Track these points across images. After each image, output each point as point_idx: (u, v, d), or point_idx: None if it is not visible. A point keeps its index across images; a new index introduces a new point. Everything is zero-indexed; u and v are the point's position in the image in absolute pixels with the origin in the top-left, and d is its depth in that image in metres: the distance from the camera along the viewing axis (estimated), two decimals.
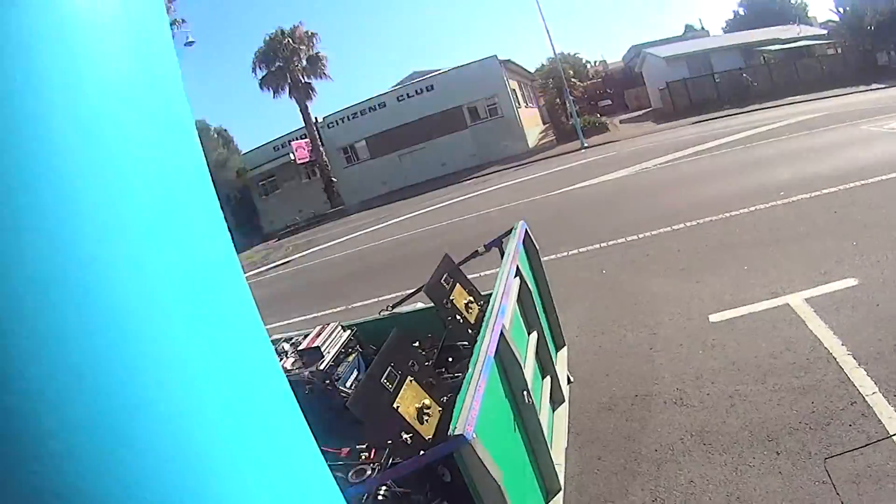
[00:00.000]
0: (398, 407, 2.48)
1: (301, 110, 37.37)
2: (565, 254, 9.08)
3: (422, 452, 2.34)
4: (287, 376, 3.98)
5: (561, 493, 3.15)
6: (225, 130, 42.75)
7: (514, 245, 3.91)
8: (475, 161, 34.29)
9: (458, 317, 3.74)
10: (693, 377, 4.65)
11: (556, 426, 3.85)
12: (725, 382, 4.43)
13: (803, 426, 3.69)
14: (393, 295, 7.75)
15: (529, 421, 2.99)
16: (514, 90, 37.16)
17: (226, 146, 41.37)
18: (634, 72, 43.97)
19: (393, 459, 2.73)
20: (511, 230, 4.31)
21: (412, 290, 4.36)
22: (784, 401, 3.99)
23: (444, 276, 3.90)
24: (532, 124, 40.04)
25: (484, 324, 2.82)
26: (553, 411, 3.98)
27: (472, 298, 3.98)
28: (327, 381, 3.89)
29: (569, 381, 4.68)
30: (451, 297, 3.80)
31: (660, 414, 4.35)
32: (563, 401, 4.10)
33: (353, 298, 10.81)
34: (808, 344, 4.52)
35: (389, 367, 2.59)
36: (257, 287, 18.59)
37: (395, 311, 4.56)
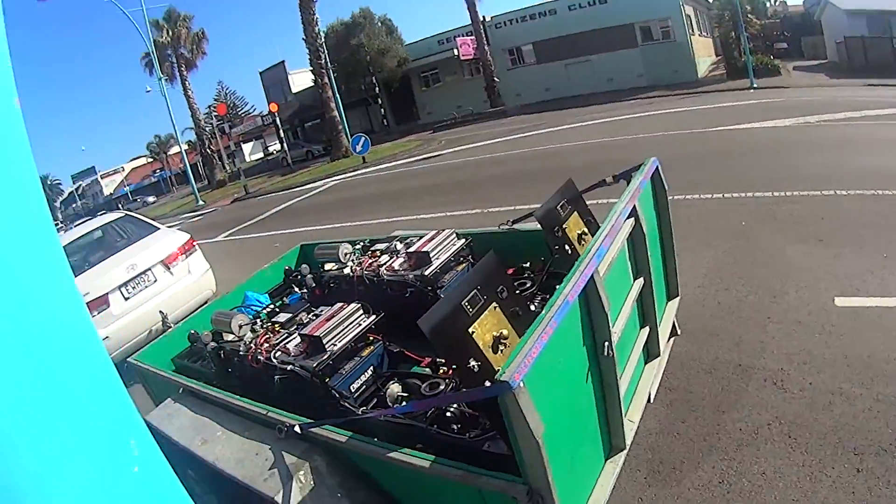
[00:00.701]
0: (473, 333, 2.49)
1: (469, 7, 37.80)
2: (709, 196, 8.35)
3: (464, 389, 2.39)
4: (391, 276, 4.17)
5: (624, 452, 3.03)
6: (389, 20, 42.57)
7: (636, 183, 3.50)
8: (642, 82, 32.72)
9: (568, 247, 3.57)
10: (801, 361, 4.25)
11: (644, 380, 3.64)
12: (831, 376, 4.02)
13: (893, 449, 3.30)
14: (531, 206, 7.41)
15: (606, 374, 2.83)
16: (688, 16, 34.80)
17: (389, 35, 41.45)
18: (814, 19, 39.00)
19: (459, 383, 2.80)
20: (642, 164, 3.86)
21: (532, 212, 4.12)
22: (884, 414, 3.57)
23: (563, 201, 3.69)
24: (704, 54, 37.34)
25: (576, 264, 2.62)
26: (644, 363, 3.76)
27: (587, 230, 3.74)
28: (430, 287, 3.98)
29: (675, 334, 4.37)
30: (564, 226, 3.61)
31: (756, 392, 4.08)
32: (659, 355, 3.82)
33: (490, 202, 10.69)
34: None
35: (475, 290, 2.58)
36: (404, 177, 18.97)
37: (514, 226, 4.45)
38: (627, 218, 3.24)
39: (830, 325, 4.59)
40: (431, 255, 4.16)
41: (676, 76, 31.84)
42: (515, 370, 1.99)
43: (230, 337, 4.06)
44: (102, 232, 9.21)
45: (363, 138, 26.54)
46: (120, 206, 57.42)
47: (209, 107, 50.12)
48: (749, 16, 33.61)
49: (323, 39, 34.11)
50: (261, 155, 64.62)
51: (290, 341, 3.67)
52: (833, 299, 4.94)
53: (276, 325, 3.99)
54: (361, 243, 5.22)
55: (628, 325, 3.19)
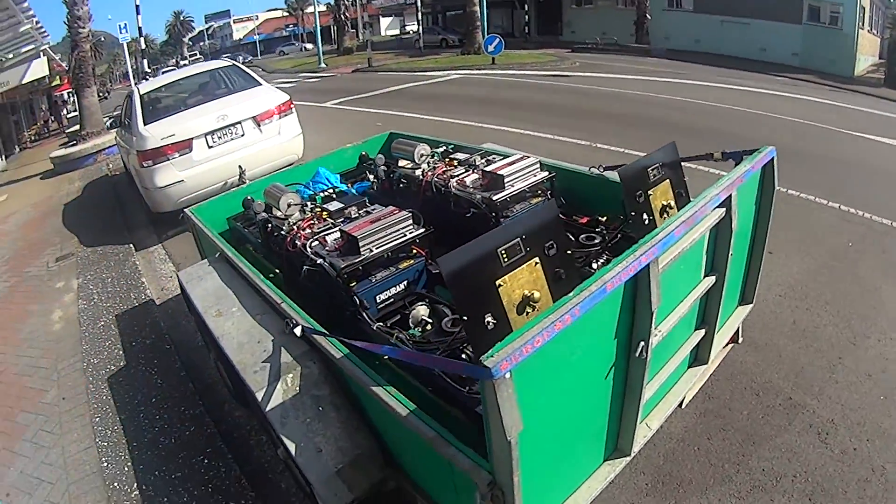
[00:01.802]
0: (501, 286, 2.20)
1: None
2: (824, 202, 7.34)
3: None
4: (459, 190, 3.86)
5: (628, 458, 2.70)
6: None
7: (741, 169, 2.93)
8: (795, 61, 29.13)
9: (647, 216, 3.13)
10: (855, 420, 3.76)
11: (680, 384, 3.25)
12: (880, 449, 3.54)
13: None
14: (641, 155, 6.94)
15: (633, 376, 2.47)
16: (863, 7, 30.13)
17: None
18: None
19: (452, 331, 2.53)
20: (756, 151, 3.23)
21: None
22: None
23: (657, 165, 3.23)
24: (867, 51, 32.66)
25: (633, 247, 2.20)
26: (687, 367, 3.35)
27: (674, 204, 3.28)
28: (494, 214, 3.67)
29: (735, 341, 3.87)
30: (649, 192, 3.16)
31: (796, 435, 3.68)
32: (707, 363, 3.39)
33: (602, 137, 10.00)
34: None
35: (518, 239, 2.27)
36: (527, 88, 18.18)
37: (605, 172, 4.00)
38: (718, 206, 2.77)
39: None
40: (506, 179, 3.85)
41: (831, 66, 29.12)
42: (504, 358, 1.69)
43: (279, 213, 3.92)
44: (206, 77, 9.33)
45: (497, 39, 25.78)
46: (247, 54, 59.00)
47: None
48: None
49: None
50: (396, 32, 64.26)
51: (330, 233, 3.49)
52: None
53: (325, 213, 3.79)
54: (444, 147, 4.95)
55: (680, 325, 2.80)
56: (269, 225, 4.00)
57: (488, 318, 2.14)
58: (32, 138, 33.09)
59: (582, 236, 3.64)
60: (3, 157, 26.88)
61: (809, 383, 4.12)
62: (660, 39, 34.62)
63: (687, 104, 14.19)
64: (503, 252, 2.21)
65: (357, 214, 3.66)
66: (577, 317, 1.88)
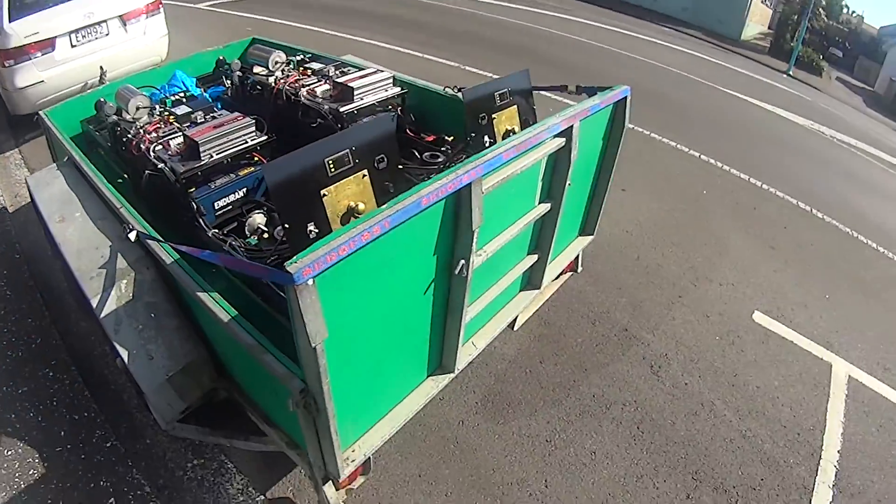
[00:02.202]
0: (325, 196, 2.24)
1: None
2: (685, 150, 7.75)
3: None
4: (308, 100, 3.83)
5: (451, 375, 2.83)
6: None
7: (589, 103, 2.96)
8: (684, 15, 29.57)
9: (488, 139, 3.22)
10: (689, 357, 4.09)
11: (511, 306, 3.37)
12: (711, 387, 3.91)
13: (732, 491, 3.31)
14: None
15: (454, 294, 2.54)
16: None
17: None
18: (880, 47, 36.94)
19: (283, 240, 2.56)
20: (609, 88, 3.26)
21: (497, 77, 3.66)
22: (741, 454, 3.52)
23: (505, 90, 3.29)
24: (756, 20, 34.12)
25: (455, 167, 2.21)
26: (519, 291, 3.47)
27: (518, 128, 3.37)
28: (340, 126, 3.68)
29: (574, 270, 4.04)
30: (493, 116, 3.24)
31: (629, 366, 3.95)
32: (538, 288, 3.50)
33: (472, 61, 10.08)
34: (812, 421, 3.82)
35: (347, 151, 2.29)
36: (405, 5, 17.02)
37: (460, 93, 3.99)
38: (558, 136, 2.82)
39: (737, 335, 4.40)
40: (356, 92, 3.83)
41: (719, 26, 29.57)
42: (308, 264, 1.70)
43: (128, 117, 3.77)
44: None
45: None
46: None
47: None
48: (820, 9, 32.26)
49: None
50: None
51: (173, 138, 3.40)
52: (752, 312, 4.71)
53: (172, 117, 3.68)
54: (301, 55, 4.88)
55: (509, 247, 2.87)
56: (118, 128, 3.85)
57: (310, 227, 2.17)
58: None
59: (426, 154, 3.70)
60: None
61: (647, 318, 4.35)
62: None
63: (564, 39, 14.29)
64: (330, 162, 2.23)
65: (203, 119, 3.56)
66: (387, 229, 1.91)
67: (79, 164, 3.57)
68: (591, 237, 3.90)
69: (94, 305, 2.65)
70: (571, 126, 2.84)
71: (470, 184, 2.20)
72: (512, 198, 2.78)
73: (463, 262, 2.39)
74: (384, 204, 2.29)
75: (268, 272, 1.81)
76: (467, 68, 9.66)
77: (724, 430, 3.63)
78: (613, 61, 12.58)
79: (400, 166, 2.53)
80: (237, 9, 15.54)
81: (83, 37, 7.14)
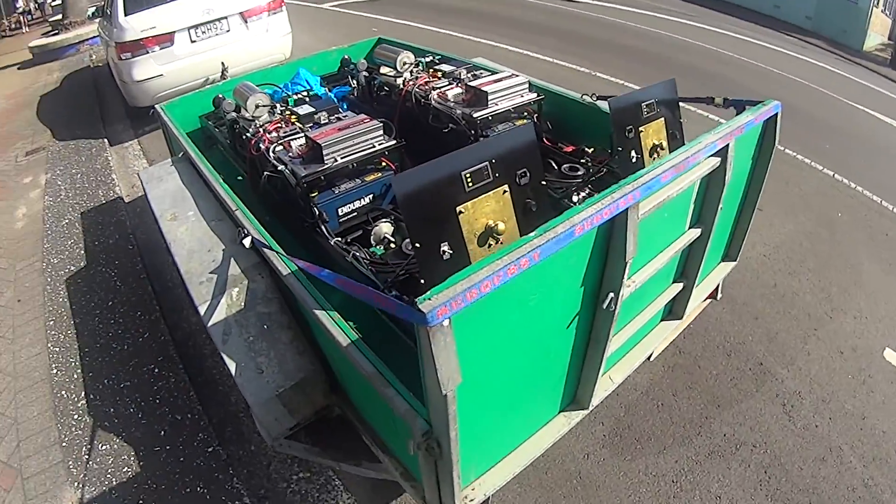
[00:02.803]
0: (461, 213, 2.00)
1: None
2: (819, 168, 7.06)
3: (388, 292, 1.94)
4: (439, 104, 3.61)
5: (585, 412, 2.54)
6: None
7: (743, 119, 2.61)
8: (807, 24, 27.48)
9: (635, 153, 2.90)
10: (821, 396, 3.73)
11: (651, 337, 3.07)
12: (841, 431, 3.51)
13: None
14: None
15: (598, 328, 2.26)
16: None
17: None
18: None
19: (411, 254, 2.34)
20: (760, 103, 2.88)
21: (638, 88, 3.33)
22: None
23: (652, 101, 2.95)
24: (877, 29, 31.52)
25: (609, 189, 1.93)
26: (659, 321, 3.15)
27: (665, 145, 3.02)
28: (473, 132, 3.44)
29: (714, 297, 3.67)
30: (641, 129, 2.91)
31: (762, 403, 3.63)
32: (680, 318, 3.19)
33: (604, 67, 9.65)
34: None
35: (487, 163, 2.05)
36: (528, 8, 17.22)
37: (598, 101, 3.73)
38: (713, 155, 2.50)
39: (868, 375, 3.98)
40: (490, 96, 3.58)
41: (842, 36, 28.40)
42: (444, 303, 1.47)
43: (247, 114, 3.68)
44: None
45: None
46: None
47: None
48: None
49: None
50: None
51: (295, 139, 3.26)
52: (884, 350, 4.25)
53: (293, 117, 3.56)
54: (430, 57, 4.68)
55: (656, 276, 2.59)
56: (237, 126, 3.78)
57: (444, 248, 1.95)
58: (13, 26, 32.15)
59: (565, 166, 3.44)
60: None
61: (782, 351, 4.05)
62: None
63: (694, 46, 13.73)
64: (468, 175, 2.00)
65: (327, 120, 3.41)
66: (536, 262, 1.67)
67: (194, 160, 3.50)
68: (734, 263, 3.56)
69: (203, 312, 2.53)
70: (727, 145, 2.53)
71: (626, 209, 1.93)
72: (663, 223, 2.50)
73: (612, 295, 2.12)
74: (524, 222, 2.07)
75: (396, 306, 1.56)
76: (597, 74, 9.35)
77: (848, 477, 3.28)
78: (741, 70, 11.91)
79: (543, 181, 2.26)
80: (361, 9, 15.85)
81: (203, 32, 7.28)
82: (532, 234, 1.69)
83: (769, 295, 4.57)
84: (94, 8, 9.74)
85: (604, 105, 3.70)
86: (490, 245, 2.08)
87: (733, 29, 18.37)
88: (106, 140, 7.81)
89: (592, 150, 3.57)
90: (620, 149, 2.89)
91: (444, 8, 16.08)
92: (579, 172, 3.37)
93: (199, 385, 3.75)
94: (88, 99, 10.19)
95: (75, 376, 3.91)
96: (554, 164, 3.49)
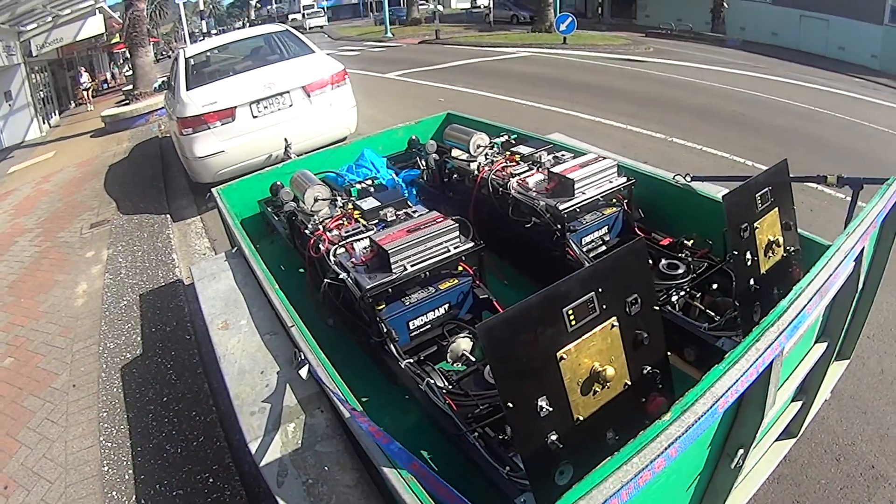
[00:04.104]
0: (563, 359, 1.64)
1: None
2: None
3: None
4: (519, 193, 3.27)
5: None
6: None
7: (880, 206, 2.18)
8: (874, 63, 27.16)
9: (750, 255, 2.49)
10: None
11: (761, 465, 2.62)
12: None
13: None
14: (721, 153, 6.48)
15: (719, 482, 1.89)
16: None
17: None
18: None
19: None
20: (884, 182, 2.41)
21: (736, 177, 2.99)
22: None
23: (766, 190, 2.58)
24: None
25: (749, 338, 1.56)
26: (772, 444, 2.71)
27: (781, 238, 2.60)
28: (559, 227, 3.11)
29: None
30: (755, 224, 2.49)
31: None
32: (795, 437, 2.76)
33: (679, 131, 9.36)
34: None
35: (594, 293, 1.70)
36: (599, 72, 17.41)
37: (692, 183, 3.37)
38: (852, 259, 2.04)
39: None
40: (577, 185, 3.24)
41: None
42: None
43: (306, 207, 3.44)
44: (257, 42, 9.10)
45: (570, 18, 25.20)
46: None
47: None
48: None
49: None
50: (466, 6, 64.83)
51: (359, 240, 2.97)
52: None
53: (357, 213, 3.29)
54: (506, 136, 4.36)
55: (783, 403, 2.24)
56: (295, 218, 3.56)
57: (542, 403, 1.59)
58: (78, 101, 33.98)
59: (663, 262, 3.05)
60: (57, 112, 27.53)
61: (894, 450, 3.61)
62: (735, 30, 33.92)
63: (765, 101, 13.41)
64: (570, 312, 1.64)
65: (394, 217, 3.14)
66: (674, 458, 1.31)
67: (249, 260, 3.25)
68: (847, 361, 3.10)
69: (254, 450, 2.22)
70: (864, 247, 2.13)
71: (771, 362, 1.56)
72: (790, 360, 2.16)
73: (742, 451, 1.75)
74: (633, 358, 1.76)
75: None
76: (674, 140, 9.05)
77: None
78: (822, 124, 11.44)
79: (656, 307, 1.89)
80: (427, 78, 16.13)
81: (265, 107, 7.26)
82: (667, 416, 1.32)
83: (876, 384, 4.12)
84: (162, 80, 9.96)
85: (698, 186, 3.38)
86: (595, 392, 1.72)
87: (801, 77, 18.10)
88: (169, 216, 7.83)
89: (691, 241, 3.19)
90: (736, 252, 2.51)
91: (507, 75, 16.25)
92: (679, 271, 2.98)
93: (256, 501, 3.44)
94: (154, 171, 10.41)
95: (126, 477, 3.69)
96: (650, 260, 3.11)
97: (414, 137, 5.00)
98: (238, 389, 2.48)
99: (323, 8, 40.39)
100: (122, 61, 44.92)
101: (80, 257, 7.13)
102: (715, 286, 2.87)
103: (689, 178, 3.43)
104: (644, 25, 36.26)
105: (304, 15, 66.71)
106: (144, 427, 4.05)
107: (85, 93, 26.65)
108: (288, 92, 7.35)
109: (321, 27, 46.68)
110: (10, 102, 20.63)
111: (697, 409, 1.34)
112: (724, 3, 34.52)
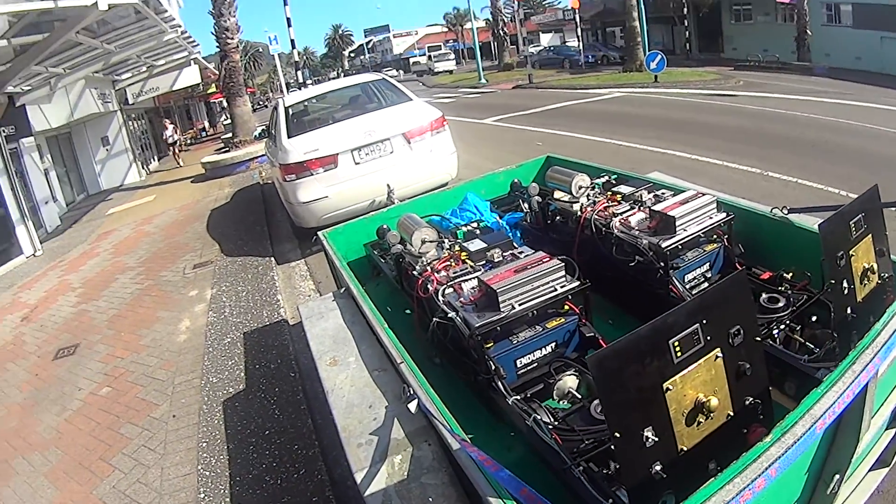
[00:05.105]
0: (669, 390, 1.75)
1: None
2: None
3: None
4: (622, 233, 3.44)
5: None
6: None
7: None
8: None
9: (846, 283, 2.52)
10: None
11: (855, 494, 2.52)
12: None
13: None
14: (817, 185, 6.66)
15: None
16: None
17: None
18: None
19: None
20: None
21: (832, 207, 2.82)
22: None
23: (859, 216, 2.61)
24: None
25: (846, 361, 1.67)
26: (867, 472, 2.64)
27: (875, 264, 2.62)
28: (662, 264, 3.19)
29: None
30: (851, 252, 2.52)
31: None
32: (888, 465, 2.70)
33: (775, 164, 9.18)
34: None
35: (698, 325, 1.81)
36: (692, 108, 17.44)
37: (790, 215, 3.37)
38: None
39: None
40: (678, 222, 3.33)
41: None
42: None
43: (413, 249, 3.65)
44: (355, 91, 9.54)
45: (659, 56, 25.44)
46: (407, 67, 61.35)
47: None
48: None
49: None
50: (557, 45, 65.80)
51: (466, 280, 3.12)
52: None
53: (464, 254, 3.46)
54: (606, 177, 4.47)
55: (877, 431, 2.25)
56: (403, 260, 3.76)
57: (647, 433, 1.71)
58: (188, 142, 35.69)
59: (763, 297, 3.08)
60: (156, 158, 29.12)
61: None
62: (820, 56, 33.57)
63: (858, 128, 13.12)
64: (676, 344, 1.76)
65: (500, 258, 3.28)
66: (774, 478, 1.42)
67: (357, 299, 3.45)
68: None
69: (360, 480, 2.38)
70: None
71: (868, 383, 1.66)
72: (884, 386, 2.17)
73: (837, 477, 1.85)
74: (737, 388, 1.85)
75: None
76: (769, 174, 8.96)
77: None
78: None
79: (758, 338, 1.99)
80: (522, 122, 16.44)
81: (366, 154, 7.57)
82: (768, 437, 1.43)
83: None
84: (261, 128, 10.55)
85: (796, 218, 3.40)
86: (699, 422, 1.82)
87: (888, 101, 17.60)
88: (273, 259, 8.24)
89: (791, 274, 3.23)
90: (833, 281, 2.56)
91: (602, 116, 16.37)
92: (780, 304, 3.01)
93: None
94: (257, 215, 10.91)
95: None
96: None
97: (516, 181, 5.17)
98: (345, 422, 2.65)
99: (453, 49, 40.68)
100: (219, 110, 47.42)
101: (183, 296, 7.55)
102: (814, 318, 2.90)
103: (786, 211, 3.45)
104: (731, 59, 36.37)
105: (430, 58, 67.54)
106: (244, 458, 4.24)
107: (172, 147, 26.06)
108: (388, 139, 7.69)
109: (450, 72, 46.59)
110: (108, 147, 22.17)
111: (797, 431, 1.45)
112: (807, 30, 34.34)
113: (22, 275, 11.65)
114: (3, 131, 13.36)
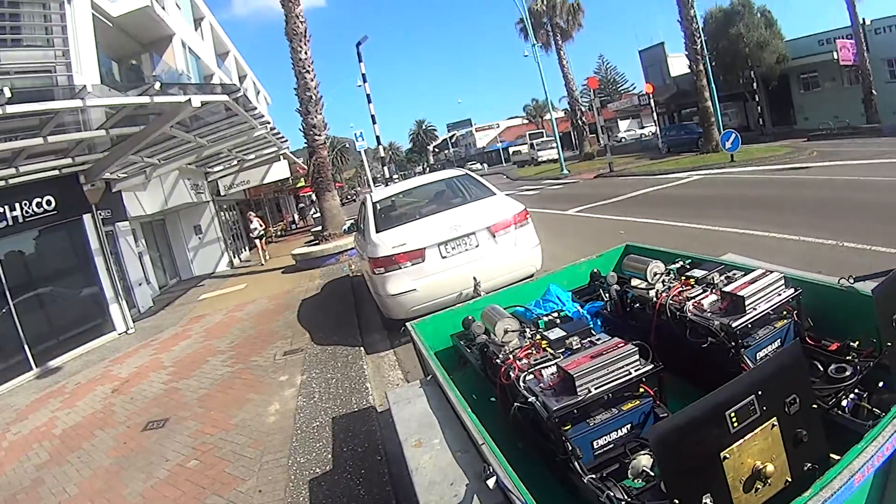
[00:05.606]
0: (726, 458, 1.96)
1: (848, 6, 34.28)
2: None
3: None
4: (695, 315, 3.70)
5: None
6: (769, 12, 38.93)
7: None
8: None
9: None
10: None
11: None
12: None
13: None
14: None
15: None
16: None
17: (768, 28, 38.15)
18: None
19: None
20: None
21: (889, 270, 2.95)
22: None
23: None
24: None
25: (881, 424, 1.81)
26: None
27: None
28: (733, 344, 3.33)
29: None
30: None
31: None
32: None
33: (846, 234, 9.14)
34: None
35: (754, 396, 2.01)
36: (765, 185, 17.53)
37: (856, 284, 3.45)
38: None
39: None
40: (747, 301, 3.47)
41: None
42: None
43: (496, 339, 3.91)
44: (439, 186, 10.00)
45: (734, 135, 25.74)
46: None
47: (586, 79, 51.40)
48: None
49: (699, 24, 34.18)
50: (636, 133, 66.19)
51: (546, 367, 3.36)
52: None
53: (544, 343, 3.69)
54: (680, 262, 4.61)
55: None
56: (487, 349, 4.00)
57: (706, 501, 1.91)
58: (278, 234, 37.03)
59: (831, 367, 3.20)
60: (247, 248, 30.24)
61: None
62: (889, 115, 33.24)
63: None
64: (732, 415, 1.97)
65: (579, 345, 3.51)
66: None
67: (442, 385, 3.69)
68: None
69: None
70: None
71: None
72: None
73: None
74: (794, 455, 1.99)
75: None
76: (844, 244, 8.93)
77: None
78: None
79: (814, 405, 2.19)
80: (604, 212, 16.71)
81: (452, 248, 7.90)
82: (807, 494, 1.64)
83: None
84: (350, 222, 11.12)
85: (862, 286, 3.48)
86: (757, 489, 2.01)
87: None
88: (362, 348, 8.58)
89: (857, 342, 3.32)
90: (890, 343, 2.69)
91: (681, 201, 16.54)
92: (846, 373, 3.11)
93: None
94: (347, 306, 11.33)
95: None
96: (819, 365, 3.28)
97: (595, 270, 5.40)
98: (427, 498, 2.86)
99: (556, 137, 41.05)
100: (308, 203, 49.22)
101: (273, 380, 7.94)
102: (881, 383, 2.95)
103: (852, 280, 3.52)
104: (804, 129, 36.51)
105: (532, 146, 67.41)
106: None
107: (258, 241, 25.83)
108: (474, 233, 8.04)
109: (555, 160, 47.00)
110: (200, 236, 23.51)
111: (834, 485, 1.64)
112: (872, 90, 34.13)
113: (114, 350, 12.42)
114: (101, 214, 14.43)
